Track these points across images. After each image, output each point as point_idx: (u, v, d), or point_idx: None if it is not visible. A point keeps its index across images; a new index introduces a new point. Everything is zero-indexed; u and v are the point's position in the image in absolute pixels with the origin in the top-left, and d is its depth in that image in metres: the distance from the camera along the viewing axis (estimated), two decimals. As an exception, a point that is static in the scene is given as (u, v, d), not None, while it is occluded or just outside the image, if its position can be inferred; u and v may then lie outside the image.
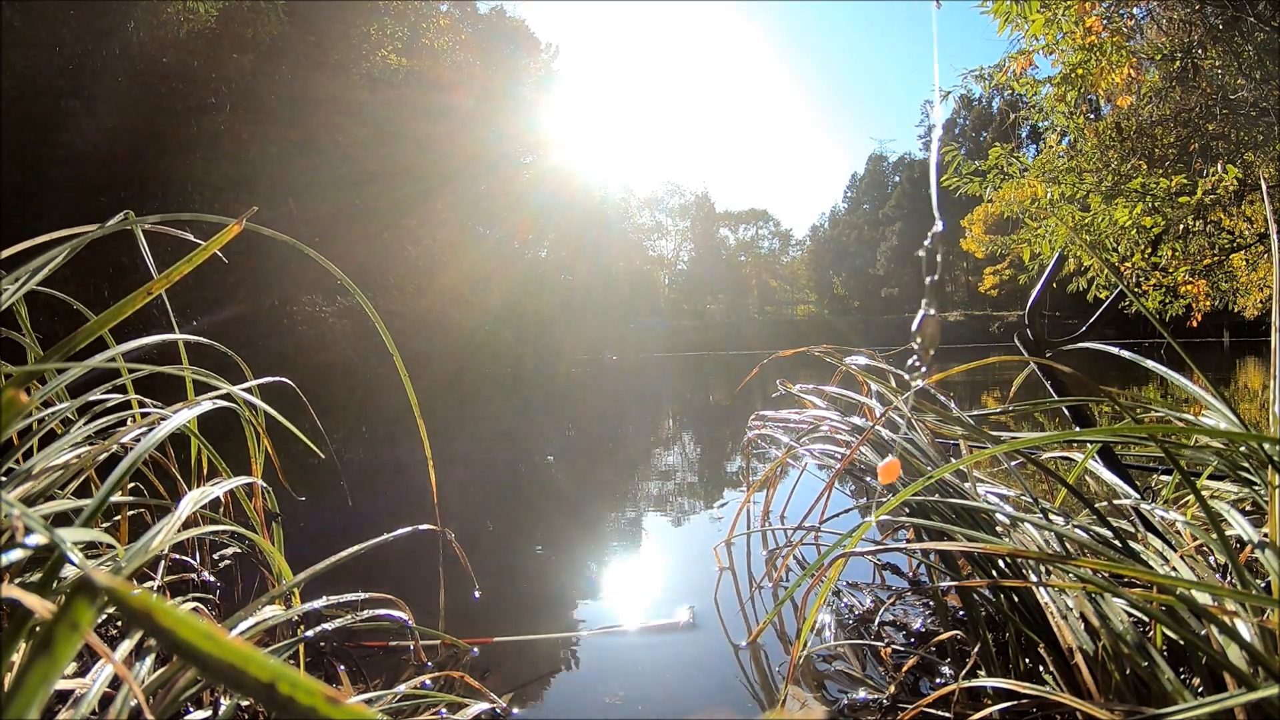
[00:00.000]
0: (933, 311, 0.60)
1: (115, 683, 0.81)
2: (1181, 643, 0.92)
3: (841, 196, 54.09)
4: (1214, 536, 0.92)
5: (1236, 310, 4.81)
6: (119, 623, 1.23)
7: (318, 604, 1.15)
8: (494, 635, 1.59)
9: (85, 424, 1.16)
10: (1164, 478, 1.99)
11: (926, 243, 0.62)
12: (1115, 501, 1.42)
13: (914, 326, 0.61)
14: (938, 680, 1.30)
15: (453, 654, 1.50)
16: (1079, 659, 0.98)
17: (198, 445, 1.39)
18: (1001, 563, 1.21)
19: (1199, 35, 3.19)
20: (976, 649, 1.18)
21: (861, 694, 1.28)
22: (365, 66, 10.05)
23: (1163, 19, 3.36)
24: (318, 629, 1.13)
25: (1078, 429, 1.92)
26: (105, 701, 0.79)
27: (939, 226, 0.60)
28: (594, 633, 1.66)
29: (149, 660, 0.87)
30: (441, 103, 11.46)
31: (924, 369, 0.61)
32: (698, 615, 1.71)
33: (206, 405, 1.10)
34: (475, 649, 1.52)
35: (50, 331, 1.11)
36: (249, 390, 1.28)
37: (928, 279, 0.60)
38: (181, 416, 0.99)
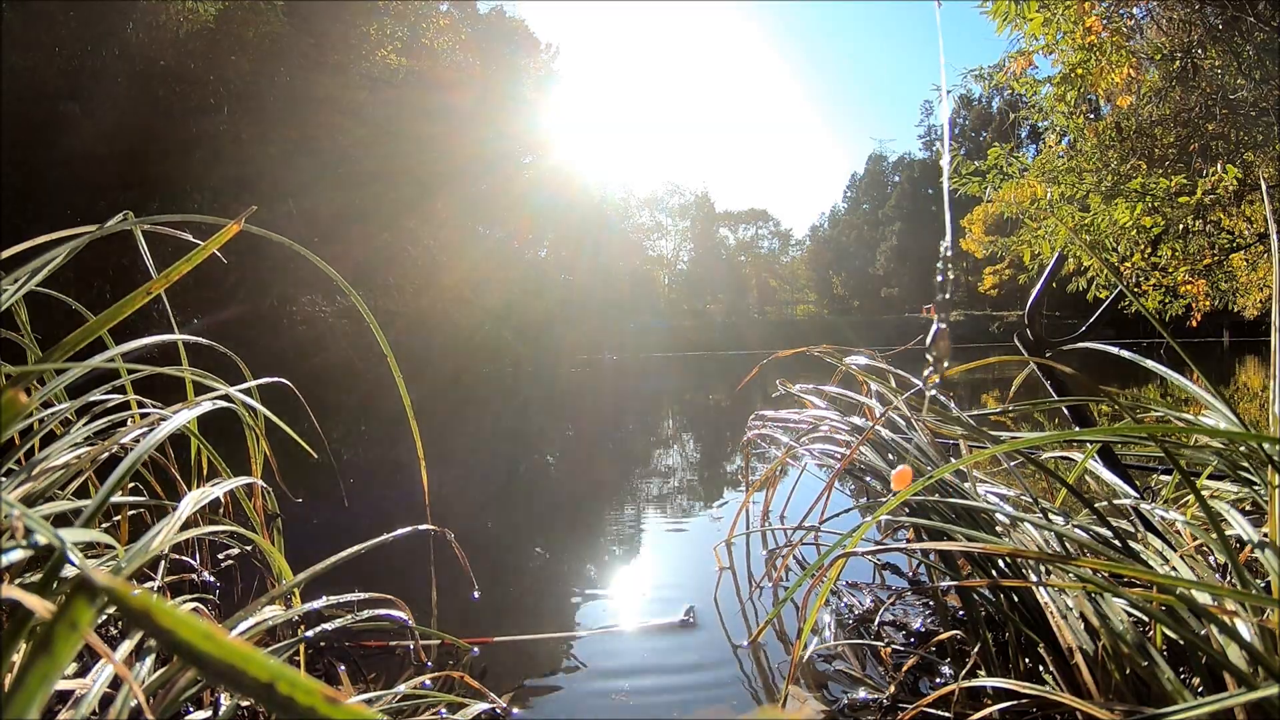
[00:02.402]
0: (944, 326, 0.60)
1: (115, 683, 0.81)
2: (1181, 643, 0.92)
3: (841, 196, 54.16)
4: (1214, 536, 0.92)
5: (1236, 310, 4.82)
6: (119, 623, 1.23)
7: (317, 604, 1.15)
8: (494, 635, 1.59)
9: (85, 425, 1.16)
10: (1164, 478, 1.99)
11: (939, 264, 0.62)
12: (1115, 501, 1.42)
13: (927, 341, 0.61)
14: (938, 680, 1.29)
15: (453, 653, 1.50)
16: (1079, 659, 0.98)
17: (197, 446, 1.39)
18: (1001, 563, 1.21)
19: (1199, 35, 3.19)
20: (976, 649, 1.18)
21: (861, 694, 1.28)
22: (365, 66, 10.04)
23: (1162, 19, 3.36)
24: (318, 629, 1.13)
25: (1078, 429, 1.92)
26: (105, 701, 0.79)
27: (948, 241, 0.61)
28: (594, 632, 1.66)
29: (149, 660, 0.87)
30: (441, 103, 11.44)
31: (938, 380, 0.61)
32: (698, 615, 1.71)
33: (206, 406, 1.10)
34: (475, 649, 1.52)
35: (50, 332, 1.11)
36: (248, 391, 1.28)
37: (939, 296, 0.60)
38: (181, 417, 0.99)
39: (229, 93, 8.41)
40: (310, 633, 1.12)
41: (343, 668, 1.27)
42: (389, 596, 1.25)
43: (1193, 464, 1.43)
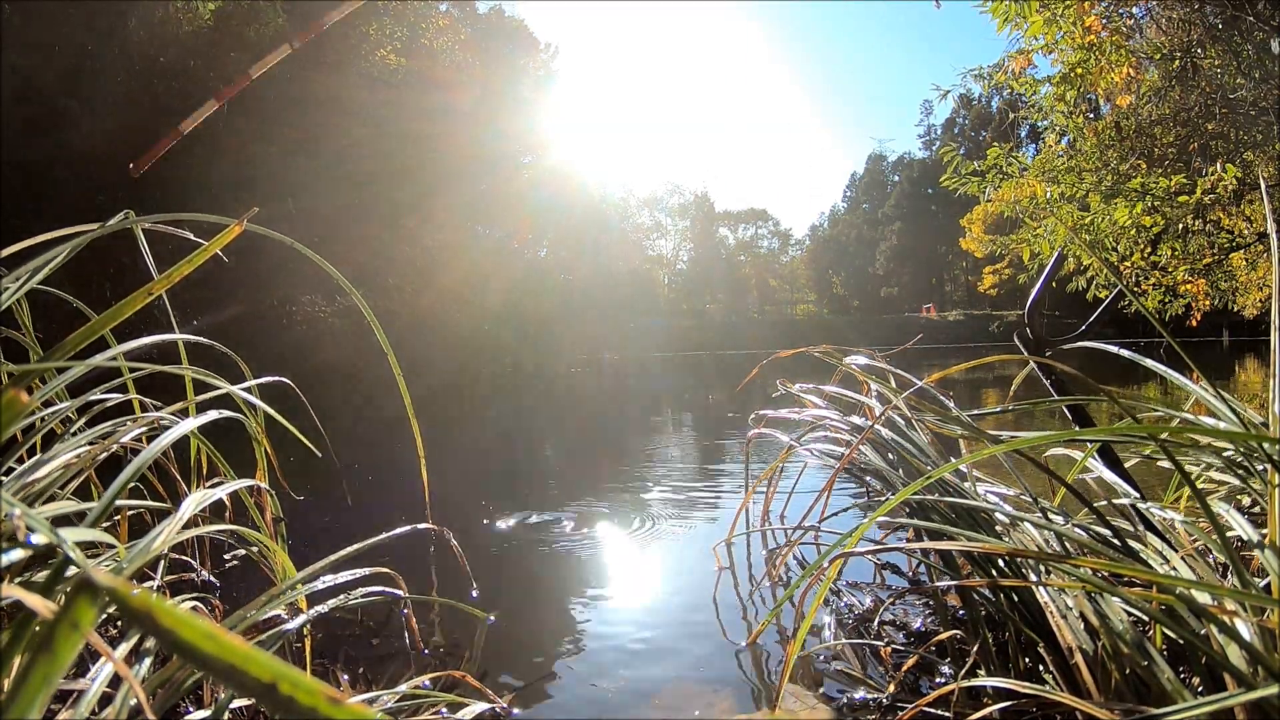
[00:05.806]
0: None
1: (114, 681, 0.81)
2: (1181, 642, 0.92)
3: (841, 196, 54.22)
4: (1214, 536, 0.92)
5: (1236, 310, 4.82)
6: (118, 623, 1.23)
7: (318, 585, 1.14)
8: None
9: (85, 424, 1.16)
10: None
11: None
12: (1115, 501, 1.42)
13: None
14: (938, 680, 1.30)
15: (453, 652, 1.50)
16: (1079, 658, 0.98)
17: (197, 445, 1.38)
18: (1001, 562, 1.21)
19: (1198, 35, 3.19)
20: (976, 648, 1.18)
21: (861, 693, 1.28)
22: (364, 66, 10.04)
23: (1162, 18, 3.36)
24: (312, 611, 1.12)
25: (1078, 429, 1.92)
26: (105, 701, 0.79)
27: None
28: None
29: (148, 661, 0.87)
30: (441, 102, 11.44)
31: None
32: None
33: (213, 415, 1.09)
34: (491, 617, 1.51)
35: (50, 332, 1.11)
36: (249, 391, 1.28)
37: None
38: (188, 424, 0.99)
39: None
40: (306, 615, 1.12)
41: (346, 677, 1.27)
42: (386, 570, 1.24)
43: (1193, 464, 1.43)
